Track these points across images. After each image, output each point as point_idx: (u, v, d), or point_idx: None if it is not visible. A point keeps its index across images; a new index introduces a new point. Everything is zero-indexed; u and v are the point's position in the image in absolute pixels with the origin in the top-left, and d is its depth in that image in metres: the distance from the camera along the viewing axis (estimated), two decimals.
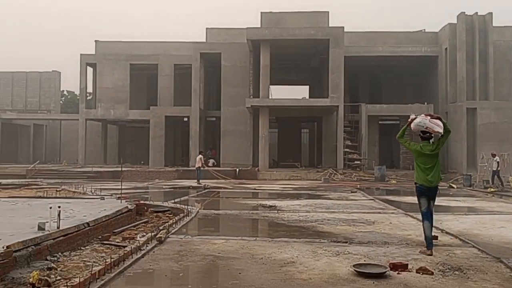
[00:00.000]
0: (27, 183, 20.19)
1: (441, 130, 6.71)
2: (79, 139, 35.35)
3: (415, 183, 7.06)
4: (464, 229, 8.14)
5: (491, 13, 28.97)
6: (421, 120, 6.86)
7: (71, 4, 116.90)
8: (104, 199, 12.00)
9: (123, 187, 19.30)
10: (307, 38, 29.00)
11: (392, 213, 10.49)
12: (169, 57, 34.93)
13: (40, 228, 6.89)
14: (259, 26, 30.54)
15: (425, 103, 31.39)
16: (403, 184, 22.68)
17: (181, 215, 9.62)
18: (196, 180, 22.35)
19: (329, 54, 29.08)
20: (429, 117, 6.91)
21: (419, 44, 32.89)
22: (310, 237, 7.34)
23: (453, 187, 20.02)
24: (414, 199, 14.52)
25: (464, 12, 29.31)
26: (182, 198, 13.68)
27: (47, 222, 7.10)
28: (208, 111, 35.06)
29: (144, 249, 6.33)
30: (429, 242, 6.48)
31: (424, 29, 35.19)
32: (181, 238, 7.19)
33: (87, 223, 7.80)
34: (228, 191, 17.67)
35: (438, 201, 13.33)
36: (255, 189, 18.51)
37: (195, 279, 5.03)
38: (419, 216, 7.16)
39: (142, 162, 36.33)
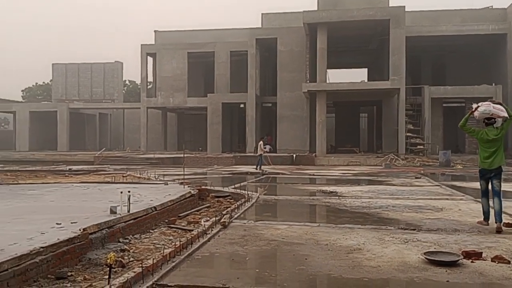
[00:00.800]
0: (95, 169, 21.25)
1: (506, 114, 7.01)
2: (141, 126, 36.69)
3: (479, 167, 7.34)
4: None
5: None
6: (485, 108, 7.13)
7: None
8: (167, 184, 12.39)
9: (184, 172, 19.90)
10: (366, 19, 28.15)
11: (461, 199, 10.02)
12: (225, 44, 35.21)
13: (112, 211, 7.22)
14: (315, 9, 29.98)
15: (493, 84, 29.63)
16: (470, 169, 21.61)
17: (242, 200, 9.71)
18: (255, 166, 22.09)
19: (390, 35, 28.08)
20: (492, 104, 7.19)
21: (485, 22, 30.96)
22: (375, 223, 7.16)
23: None
24: None
25: None
26: (242, 184, 13.84)
27: (118, 206, 7.43)
28: (264, 97, 35.10)
29: (209, 233, 6.45)
30: (486, 215, 7.11)
31: (492, 6, 33.02)
32: (244, 223, 7.25)
33: (154, 207, 8.08)
34: (286, 177, 17.66)
35: (508, 187, 12.64)
36: (313, 175, 18.34)
37: (262, 264, 5.06)
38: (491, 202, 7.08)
39: (200, 148, 37.15)
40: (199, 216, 8.87)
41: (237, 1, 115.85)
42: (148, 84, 41.04)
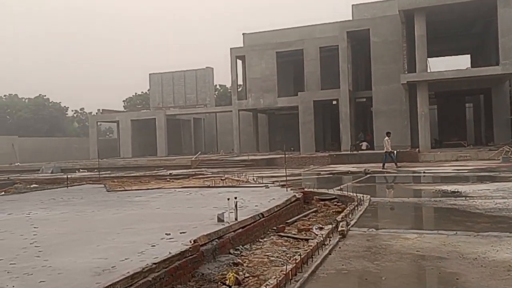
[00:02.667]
0: (193, 173, 21.55)
1: None
2: (233, 129, 37.03)
3: None
4: None
5: None
6: None
7: (217, 3, 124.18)
8: (268, 187, 11.89)
9: (280, 173, 19.39)
10: (470, 0, 25.55)
11: None
12: (314, 41, 34.29)
13: (220, 219, 6.79)
14: None
15: None
16: None
17: (353, 204, 8.84)
18: (382, 165, 20.46)
19: (498, 16, 25.24)
20: None
21: None
22: None
23: None
24: None
25: None
26: (345, 185, 12.93)
27: (224, 213, 7.01)
28: (357, 92, 33.58)
29: (328, 244, 5.72)
30: None
31: None
32: (365, 232, 6.42)
33: (262, 214, 7.54)
34: (392, 175, 16.37)
35: None
36: (423, 172, 16.79)
37: (404, 286, 4.21)
38: None
39: (292, 148, 36.54)
40: (309, 223, 8.19)
41: None
42: (238, 87, 41.43)
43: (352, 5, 33.09)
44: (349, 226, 6.75)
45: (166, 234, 5.98)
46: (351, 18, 32.97)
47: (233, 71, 36.89)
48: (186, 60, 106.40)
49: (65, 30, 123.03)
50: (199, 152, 38.70)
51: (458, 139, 30.96)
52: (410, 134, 29.29)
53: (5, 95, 60.06)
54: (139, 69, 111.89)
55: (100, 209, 8.81)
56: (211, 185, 13.33)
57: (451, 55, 40.14)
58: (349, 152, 28.17)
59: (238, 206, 7.43)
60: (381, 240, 5.83)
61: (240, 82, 40.64)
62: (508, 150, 24.43)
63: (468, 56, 40.20)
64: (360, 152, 28.17)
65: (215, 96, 51.82)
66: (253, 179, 15.06)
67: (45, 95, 58.89)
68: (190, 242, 5.34)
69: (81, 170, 30.43)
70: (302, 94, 33.82)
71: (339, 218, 7.31)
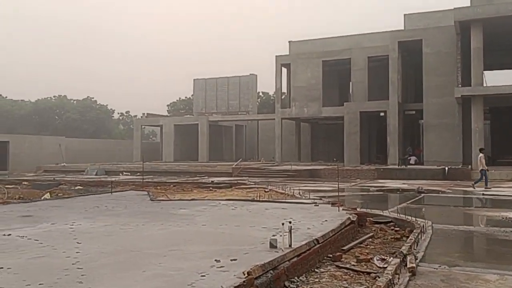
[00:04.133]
0: (235, 181, 21.18)
1: None
2: (275, 137, 36.53)
3: None
4: None
5: None
6: None
7: (263, 11, 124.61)
8: (318, 205, 11.24)
9: (325, 187, 18.69)
10: None
11: None
12: (363, 50, 33.41)
13: (272, 245, 6.24)
14: (467, 5, 26.61)
15: None
16: None
17: (416, 231, 8.09)
18: (476, 183, 18.64)
19: None
20: None
21: None
22: None
23: None
24: None
25: None
26: (400, 206, 12.09)
27: (275, 235, 6.48)
28: (406, 104, 32.36)
29: (397, 284, 5.06)
30: None
31: None
32: (436, 269, 5.71)
33: (317, 240, 6.93)
34: (448, 196, 15.32)
35: None
36: (483, 194, 15.66)
37: None
38: None
39: (335, 159, 35.69)
40: (367, 251, 7.50)
41: (373, 7, 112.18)
42: (282, 95, 40.96)
43: (404, 14, 32.00)
44: (417, 261, 6.05)
45: (215, 260, 5.49)
46: (402, 28, 31.80)
47: (277, 79, 36.47)
48: (229, 67, 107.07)
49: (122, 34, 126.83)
50: (240, 159, 38.42)
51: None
52: (462, 150, 27.84)
53: (54, 96, 62.18)
54: (184, 74, 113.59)
55: (144, 222, 8.47)
56: (256, 199, 12.83)
57: (507, 69, 38.11)
58: (397, 167, 27.03)
59: (287, 228, 6.88)
60: (458, 281, 5.13)
61: (283, 90, 40.17)
62: None
63: None
64: (408, 167, 26.99)
65: (257, 103, 51.57)
66: (299, 193, 14.46)
67: (93, 97, 60.59)
68: (244, 274, 4.83)
69: (124, 173, 30.73)
70: (348, 104, 32.93)
71: (404, 249, 6.60)
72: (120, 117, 66.81)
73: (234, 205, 11.14)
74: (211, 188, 17.77)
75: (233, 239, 6.94)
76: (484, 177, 18.60)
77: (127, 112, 67.32)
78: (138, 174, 29.24)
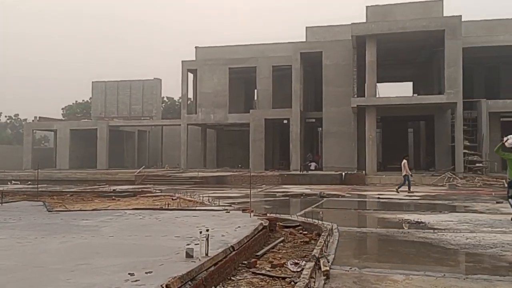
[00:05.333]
0: (140, 190, 20.39)
1: None
2: (181, 143, 36.00)
3: (508, 180, 10.74)
4: None
5: None
6: (511, 140, 10.52)
7: (168, 16, 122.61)
8: (229, 212, 11.22)
9: (234, 194, 18.78)
10: (418, 30, 26.67)
11: None
12: (268, 59, 34.33)
13: (188, 255, 6.06)
14: (364, 21, 28.68)
15: None
16: None
17: (324, 234, 8.41)
18: (398, 188, 19.53)
19: (445, 47, 26.43)
20: None
21: None
22: None
23: None
24: None
25: None
26: (307, 210, 12.54)
27: (189, 244, 6.32)
28: (307, 112, 33.86)
29: (314, 287, 5.19)
30: None
31: None
32: (347, 271, 5.96)
33: (232, 247, 6.88)
34: (348, 200, 16.24)
35: None
36: (378, 197, 16.84)
37: None
38: None
39: (240, 165, 36.15)
40: (280, 255, 7.61)
41: (278, 16, 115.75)
42: (188, 100, 40.55)
43: (306, 27, 33.51)
44: (330, 263, 6.27)
45: (129, 274, 5.18)
46: (304, 40, 33.28)
47: (183, 84, 36.02)
48: (133, 70, 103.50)
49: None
50: (143, 166, 37.21)
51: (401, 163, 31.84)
52: (357, 157, 29.76)
53: None
54: (82, 75, 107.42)
55: (44, 235, 7.76)
56: (164, 207, 12.45)
57: (396, 82, 41.69)
58: (299, 172, 28.11)
59: (203, 236, 6.76)
60: (369, 283, 5.40)
61: (190, 95, 39.76)
62: (450, 176, 25.40)
63: (411, 83, 41.86)
64: (309, 172, 28.19)
65: (162, 108, 50.46)
66: (208, 200, 14.33)
67: None
68: (162, 287, 4.61)
69: (13, 182, 28.09)
70: (254, 111, 33.58)
71: (316, 252, 6.81)
72: (8, 121, 61.10)
73: (141, 215, 10.69)
74: (113, 197, 16.89)
75: (146, 250, 6.62)
76: (407, 182, 19.60)
77: (16, 115, 61.80)
78: (29, 182, 26.94)
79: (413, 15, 27.50)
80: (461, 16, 26.34)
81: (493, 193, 18.41)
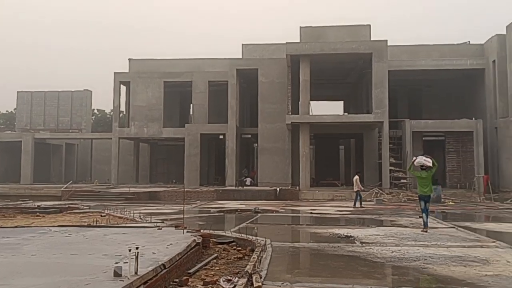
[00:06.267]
0: (67, 206, 19.44)
1: (431, 164, 11.85)
2: (112, 158, 34.82)
3: (418, 194, 12.36)
4: None
5: None
6: (419, 160, 12.10)
7: (100, 23, 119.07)
8: (161, 228, 10.96)
9: (167, 210, 18.41)
10: (349, 52, 27.98)
11: (496, 247, 9.11)
12: (204, 74, 34.32)
13: (117, 274, 5.82)
14: (297, 41, 29.60)
15: (473, 118, 29.80)
16: (464, 206, 21.09)
17: (257, 250, 8.45)
18: (354, 204, 20.23)
19: (372, 69, 27.90)
20: (423, 157, 12.19)
21: (463, 57, 31.41)
22: (435, 285, 6.09)
23: None
24: (499, 226, 13.18)
25: None
26: (241, 226, 12.55)
27: (118, 263, 6.08)
28: (243, 128, 34.14)
29: None
30: (425, 224, 11.78)
31: (469, 41, 33.69)
32: (279, 286, 6.03)
33: (164, 265, 6.71)
34: (281, 215, 16.47)
35: None
36: (311, 213, 17.22)
37: None
38: None
39: (174, 180, 35.55)
40: (212, 272, 7.54)
41: (215, 32, 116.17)
42: (120, 113, 39.40)
43: (242, 44, 33.96)
44: (262, 279, 6.30)
45: None
46: (241, 57, 33.69)
47: (115, 96, 35.03)
48: (62, 81, 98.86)
49: None
50: (70, 181, 35.42)
51: (332, 179, 32.98)
52: (291, 172, 30.35)
53: None
54: (6, 84, 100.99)
55: None
56: (92, 224, 11.92)
57: (327, 101, 43.23)
58: (234, 188, 28.14)
59: (132, 254, 6.54)
60: None
61: (122, 108, 38.70)
62: (378, 192, 26.59)
63: (342, 102, 43.61)
64: (245, 188, 28.31)
65: (92, 121, 48.61)
66: (140, 216, 13.92)
67: None
68: None
69: None
70: (190, 126, 33.33)
71: (249, 268, 6.82)
72: None
73: (67, 232, 10.15)
74: (38, 214, 15.97)
75: (71, 269, 6.29)
76: (359, 197, 20.33)
77: None
78: None
79: (344, 38, 28.83)
80: (387, 40, 27.99)
81: (416, 208, 19.45)
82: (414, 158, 12.52)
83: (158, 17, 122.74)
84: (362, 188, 21.10)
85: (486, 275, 6.63)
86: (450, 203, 22.79)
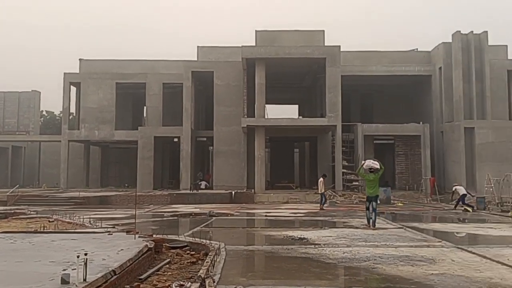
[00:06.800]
0: (12, 211, 18.57)
1: (378, 167, 13.01)
2: (61, 161, 33.57)
3: (366, 195, 13.25)
4: None
5: (486, 31, 28.96)
6: (368, 163, 13.27)
7: (50, 21, 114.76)
8: (112, 234, 10.67)
9: (119, 215, 17.95)
10: (304, 57, 28.40)
11: (442, 246, 9.51)
12: (158, 76, 33.79)
13: (64, 281, 5.61)
14: (253, 44, 29.74)
15: (421, 122, 31.02)
16: (412, 207, 21.88)
17: (211, 254, 8.40)
18: (320, 206, 20.80)
19: (326, 73, 28.48)
20: (372, 160, 13.51)
21: (412, 64, 32.66)
22: (383, 284, 6.27)
23: (468, 211, 19.25)
24: (445, 226, 13.76)
25: (460, 31, 29.22)
26: (195, 230, 12.42)
27: (66, 270, 5.86)
28: (198, 131, 33.87)
29: None
30: (368, 220, 12.82)
31: (417, 48, 35.11)
32: None
33: (114, 271, 6.53)
34: (236, 218, 16.44)
35: (474, 229, 12.64)
36: (265, 215, 17.30)
37: None
38: (476, 250, 8.91)
39: (127, 184, 34.73)
40: (165, 278, 7.41)
41: (172, 34, 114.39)
42: (70, 115, 38.05)
43: (198, 46, 33.73)
44: (215, 283, 6.26)
45: None
46: (196, 59, 33.44)
47: (65, 97, 33.80)
48: (7, 79, 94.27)
49: None
50: (17, 185, 33.81)
51: (287, 182, 33.33)
52: (246, 175, 30.38)
53: None
54: None
55: None
56: (39, 230, 11.43)
57: (283, 104, 43.71)
58: (189, 192, 27.85)
59: (81, 260, 6.32)
60: None
61: (72, 110, 37.42)
62: (331, 194, 27.12)
63: (297, 106, 44.23)
64: (200, 191, 28.08)
65: (40, 123, 46.70)
66: (90, 222, 13.48)
67: None
68: None
69: None
70: (143, 128, 32.70)
71: (202, 273, 6.75)
72: None
73: (13, 238, 9.69)
74: None
75: (16, 277, 6.01)
76: (324, 199, 21.07)
77: None
78: None
79: (298, 42, 29.21)
80: (339, 46, 28.66)
81: None
82: (363, 161, 13.82)
83: (112, 17, 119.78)
84: (324, 191, 21.55)
85: (432, 274, 6.89)
86: (399, 204, 23.60)
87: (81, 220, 14.04)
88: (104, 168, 38.56)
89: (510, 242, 10.07)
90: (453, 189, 21.68)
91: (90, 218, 14.55)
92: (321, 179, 21.59)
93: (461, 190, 20.61)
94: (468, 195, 20.86)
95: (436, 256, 8.32)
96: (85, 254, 6.06)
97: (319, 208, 20.67)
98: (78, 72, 35.54)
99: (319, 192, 21.38)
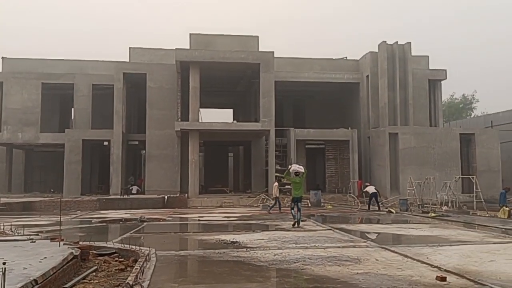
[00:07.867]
0: None
1: (303, 170, 14.60)
2: None
3: (292, 196, 14.64)
4: (458, 265, 7.76)
5: (410, 42, 30.83)
6: (294, 167, 14.71)
7: None
8: (35, 241, 10.09)
9: (43, 222, 17.03)
10: (238, 61, 28.62)
11: (367, 246, 9.97)
12: (87, 77, 32.51)
13: None
14: (187, 47, 29.52)
15: (349, 128, 32.32)
16: (341, 209, 22.70)
17: (140, 260, 8.22)
18: (268, 209, 21.46)
19: (260, 79, 28.90)
20: (297, 165, 15.27)
21: (341, 71, 34.01)
22: (312, 285, 6.47)
23: (392, 212, 20.32)
24: (370, 227, 14.44)
25: (385, 41, 30.85)
26: (124, 236, 12.08)
27: None
28: (130, 134, 32.96)
29: None
30: (295, 217, 14.12)
31: (346, 57, 36.57)
32: None
33: (35, 280, 6.19)
34: (169, 223, 16.17)
35: (397, 229, 13.37)
36: (199, 220, 17.18)
37: None
38: (398, 249, 9.39)
39: (52, 190, 33.04)
40: (91, 286, 7.15)
41: (103, 33, 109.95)
42: None
43: (130, 47, 32.85)
44: None
45: None
46: (128, 60, 32.55)
47: None
48: None
49: None
50: None
51: (221, 186, 33.34)
52: (180, 180, 30.01)
53: None
54: None
55: None
56: None
57: (218, 108, 43.72)
58: (119, 197, 26.98)
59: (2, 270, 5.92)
60: None
61: None
62: (264, 198, 27.47)
63: (231, 110, 44.42)
64: (131, 196, 27.31)
65: None
66: (11, 229, 12.68)
67: None
68: None
69: None
70: (70, 131, 31.27)
71: (130, 280, 6.59)
72: None
73: None
74: None
75: None
76: (278, 203, 21.58)
77: None
78: None
79: (233, 47, 29.39)
80: (273, 52, 29.22)
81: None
82: (290, 166, 15.40)
83: (37, 17, 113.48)
84: (278, 196, 22.07)
85: (357, 273, 7.22)
86: (329, 206, 24.42)
87: (1, 227, 13.15)
88: (28, 172, 36.36)
89: (429, 241, 10.75)
90: (364, 189, 23.03)
91: (11, 225, 13.67)
92: (276, 183, 22.33)
93: (371, 189, 22.12)
94: (377, 194, 22.20)
95: (361, 256, 8.72)
96: (4, 264, 5.72)
97: (278, 211, 21.23)
98: (0, 71, 33.32)
99: (274, 196, 22.06)
